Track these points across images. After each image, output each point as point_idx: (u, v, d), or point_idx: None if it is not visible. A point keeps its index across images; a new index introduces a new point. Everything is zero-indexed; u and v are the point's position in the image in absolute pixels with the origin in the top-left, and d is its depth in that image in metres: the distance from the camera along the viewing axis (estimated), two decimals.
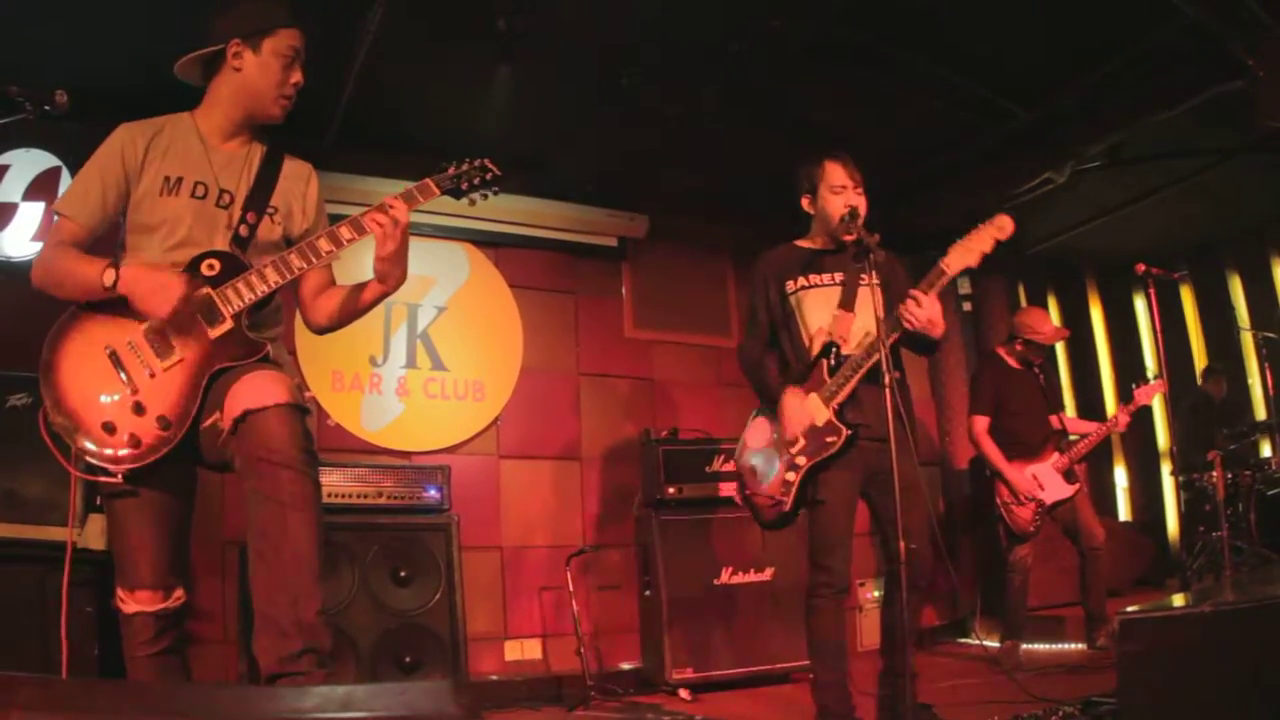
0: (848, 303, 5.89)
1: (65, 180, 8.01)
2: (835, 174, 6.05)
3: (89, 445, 3.91)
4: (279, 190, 4.58)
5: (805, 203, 6.21)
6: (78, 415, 3.94)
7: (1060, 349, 13.57)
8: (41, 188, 8.07)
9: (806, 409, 5.83)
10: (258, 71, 4.36)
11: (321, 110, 8.54)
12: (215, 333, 4.11)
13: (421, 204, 4.48)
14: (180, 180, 4.31)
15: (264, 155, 4.59)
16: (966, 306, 12.02)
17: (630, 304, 10.57)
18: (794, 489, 5.84)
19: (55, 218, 4.29)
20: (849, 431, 5.68)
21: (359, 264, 6.93)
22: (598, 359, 10.30)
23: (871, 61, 8.15)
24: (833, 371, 5.83)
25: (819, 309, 6.01)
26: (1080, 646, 8.81)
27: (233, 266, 4.21)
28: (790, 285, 6.10)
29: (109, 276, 3.99)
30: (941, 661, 9.28)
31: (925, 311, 5.66)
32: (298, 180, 4.71)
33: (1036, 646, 9.17)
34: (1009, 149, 9.50)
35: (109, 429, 3.92)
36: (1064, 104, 8.79)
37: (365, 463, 8.39)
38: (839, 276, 6.03)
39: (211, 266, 4.18)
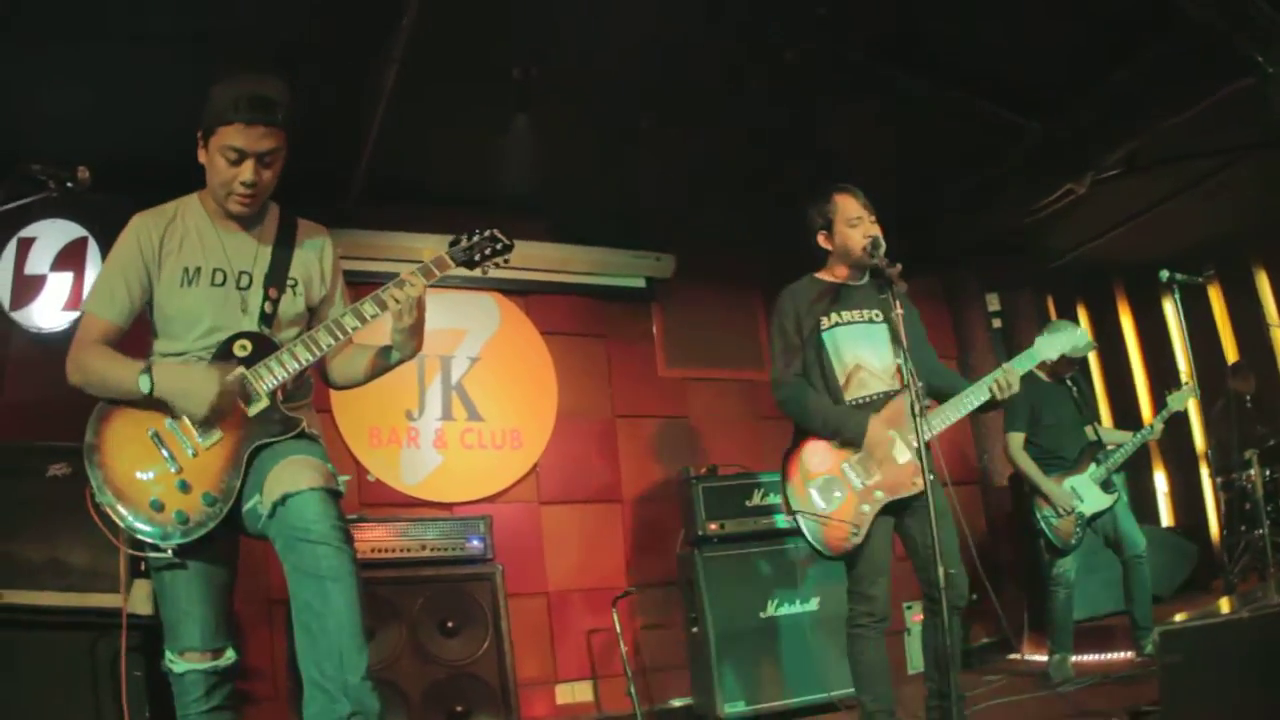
0: (898, 344, 5.68)
1: (92, 250, 8.17)
2: (849, 207, 6.13)
3: (139, 524, 4.05)
4: (296, 261, 4.71)
5: (822, 239, 6.27)
6: (125, 494, 4.08)
7: (1093, 358, 13.54)
8: (69, 258, 8.19)
9: (887, 441, 5.88)
10: (209, 167, 4.45)
11: (344, 169, 8.64)
12: (253, 411, 4.28)
13: (437, 278, 4.69)
14: (199, 270, 4.45)
15: (278, 228, 4.73)
16: (996, 323, 12.03)
17: (661, 343, 10.61)
18: (869, 521, 5.86)
19: (82, 315, 4.44)
20: (931, 476, 5.39)
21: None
22: (632, 400, 10.34)
23: (891, 87, 8.20)
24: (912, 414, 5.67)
25: (852, 345, 6.09)
26: (1129, 655, 8.79)
27: (263, 346, 4.38)
28: (825, 322, 6.14)
29: (144, 384, 4.12)
30: (991, 679, 9.27)
31: (1016, 389, 6.02)
32: (313, 249, 4.83)
33: (1085, 658, 9.14)
34: (1028, 165, 9.52)
35: (157, 507, 4.07)
36: (1079, 116, 8.82)
37: (406, 516, 8.42)
38: (874, 314, 6.13)
39: (244, 348, 4.34)
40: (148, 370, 4.15)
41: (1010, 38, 7.89)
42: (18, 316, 8.02)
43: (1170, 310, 12.91)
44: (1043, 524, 8.41)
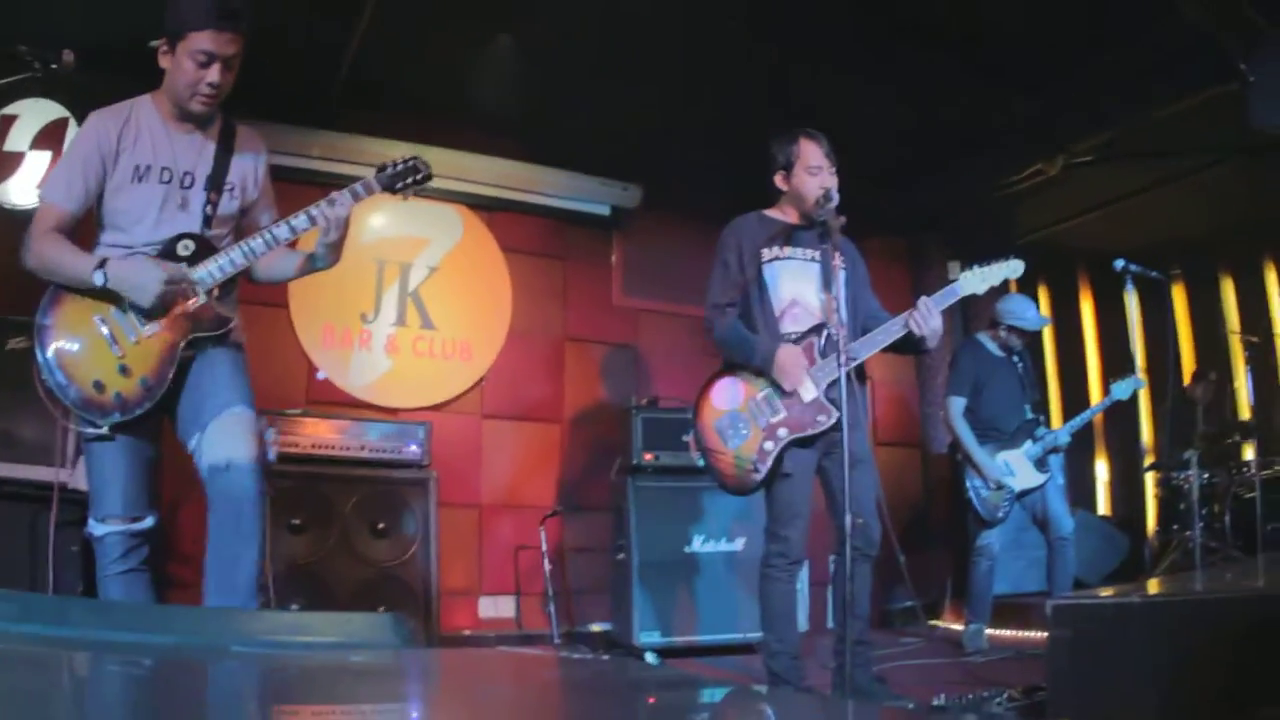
0: (829, 285, 6.01)
1: (73, 129, 8.11)
2: (811, 153, 6.14)
3: (80, 401, 4.51)
4: (234, 166, 5.00)
5: (779, 179, 6.28)
6: (70, 374, 4.51)
7: (1049, 340, 13.61)
8: (49, 138, 8.18)
9: (799, 369, 5.91)
10: (174, 69, 4.69)
11: (326, 73, 8.69)
12: (190, 306, 4.70)
13: (364, 198, 4.99)
14: (149, 168, 4.76)
15: (219, 134, 5.00)
16: None
17: (619, 272, 10.69)
18: (770, 459, 5.91)
19: (40, 203, 4.74)
20: (838, 414, 5.63)
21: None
22: (584, 325, 10.42)
23: (870, 45, 8.24)
24: (823, 353, 5.96)
25: (792, 281, 6.13)
26: (1044, 635, 8.91)
27: (204, 247, 4.78)
28: (766, 254, 6.18)
29: (99, 278, 4.47)
30: (907, 641, 9.38)
31: (936, 321, 5.91)
32: (250, 156, 5.12)
33: (1002, 632, 9.25)
34: (1002, 138, 9.58)
35: (99, 387, 4.52)
36: (1060, 95, 8.87)
37: (349, 415, 8.54)
38: (814, 254, 6.16)
39: (187, 247, 4.74)
40: (101, 266, 4.50)
41: (999, 9, 7.93)
42: None
43: (1130, 301, 12.97)
44: (971, 493, 8.46)
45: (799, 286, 6.13)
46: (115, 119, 4.79)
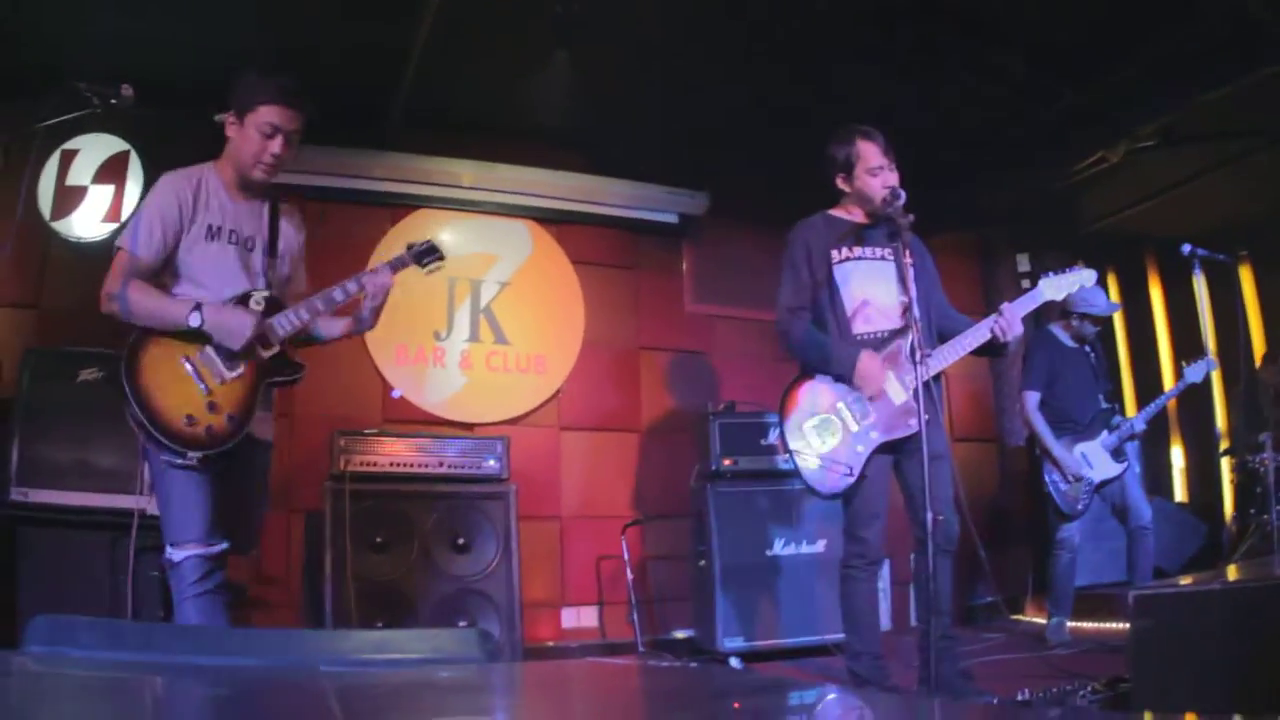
0: (903, 283, 5.93)
1: (134, 164, 8.32)
2: (871, 154, 6.18)
3: (171, 434, 4.86)
4: (282, 235, 5.52)
5: (840, 180, 6.33)
6: (162, 409, 4.87)
7: (1119, 328, 13.52)
8: (111, 171, 8.32)
9: (882, 378, 5.95)
10: (240, 139, 5.24)
11: (386, 94, 8.76)
12: (267, 354, 5.19)
13: (400, 270, 5.64)
14: (219, 229, 5.23)
15: (270, 208, 5.50)
16: (1025, 284, 12.03)
17: (690, 279, 10.68)
18: (863, 461, 5.95)
19: (119, 252, 5.04)
20: (927, 417, 5.53)
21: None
22: (657, 333, 10.43)
23: (926, 43, 8.22)
24: (909, 357, 5.87)
25: (862, 281, 6.16)
26: (1125, 626, 8.85)
27: (274, 303, 5.26)
28: (835, 255, 6.22)
29: (195, 319, 4.92)
30: (990, 638, 9.34)
31: (1019, 328, 5.98)
32: (292, 227, 5.65)
33: (1083, 624, 9.19)
34: (1063, 128, 9.50)
35: (190, 421, 4.91)
36: (1115, 84, 8.81)
37: (426, 433, 8.57)
38: (884, 253, 6.18)
39: (259, 302, 5.21)
40: (198, 308, 4.94)
41: (1052, 1, 7.91)
42: (58, 226, 8.16)
43: (1199, 285, 12.85)
44: (1050, 488, 8.44)
45: (870, 287, 6.15)
46: (188, 180, 5.19)
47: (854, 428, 5.99)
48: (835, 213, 6.44)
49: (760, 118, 9.41)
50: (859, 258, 6.20)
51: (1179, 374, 8.67)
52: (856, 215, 6.37)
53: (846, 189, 6.34)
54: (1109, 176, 10.00)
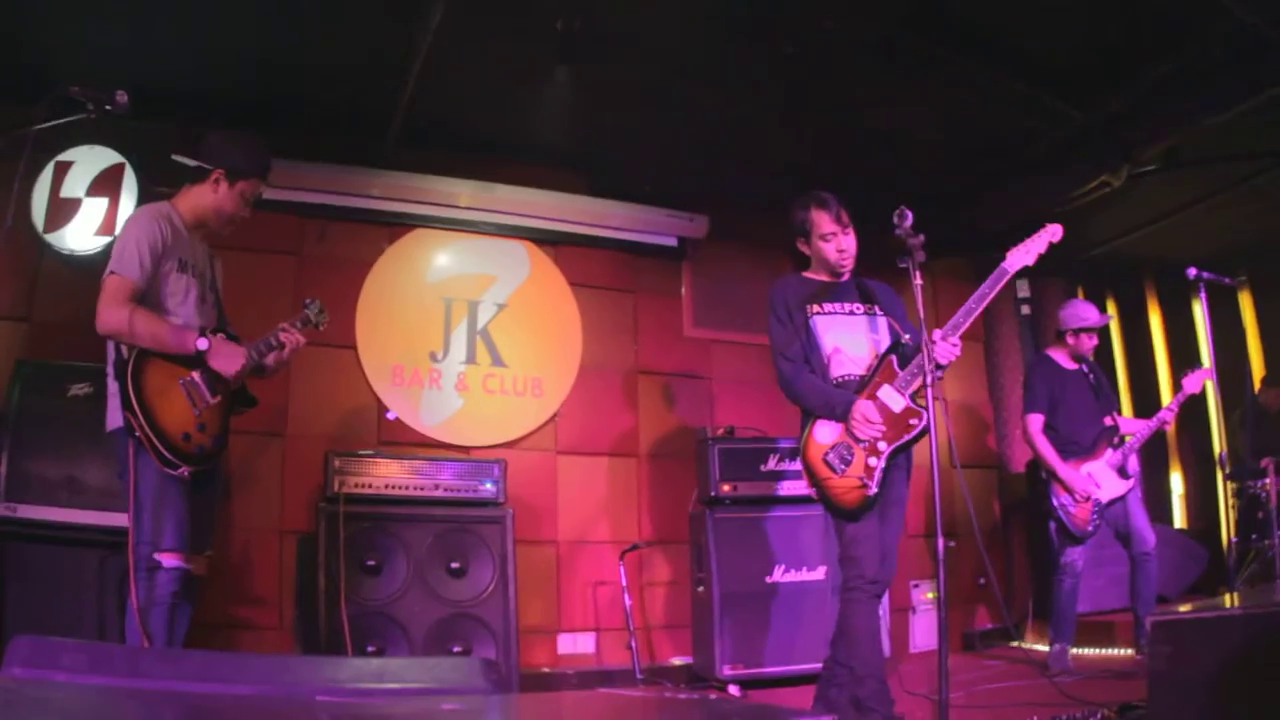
0: (873, 331, 6.60)
1: (128, 177, 8.26)
2: (824, 221, 6.56)
3: (171, 448, 5.35)
4: (215, 275, 6.11)
5: (800, 244, 6.76)
6: (164, 426, 5.35)
7: (1118, 353, 13.51)
8: (105, 184, 8.26)
9: (874, 408, 6.17)
10: (221, 200, 5.85)
11: (384, 112, 8.68)
12: (234, 385, 5.82)
13: (306, 328, 6.16)
14: (187, 262, 5.74)
15: (210, 248, 6.09)
16: (1025, 310, 12.00)
17: (689, 303, 10.61)
18: (879, 473, 6.12)
19: (113, 277, 5.42)
20: (927, 415, 5.96)
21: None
22: (656, 357, 10.35)
23: (928, 65, 8.17)
24: (903, 365, 6.26)
25: (836, 332, 6.54)
26: (1129, 652, 8.77)
27: (233, 340, 5.81)
28: (811, 309, 6.57)
29: (203, 344, 5.52)
30: (991, 664, 9.29)
31: (949, 350, 6.08)
32: (219, 267, 6.20)
33: (1086, 651, 9.18)
34: (1066, 152, 9.47)
35: (187, 439, 5.44)
36: (1118, 107, 8.76)
37: (422, 455, 8.51)
38: (855, 308, 6.64)
39: (224, 339, 5.73)
40: (203, 333, 5.54)
41: (1055, 23, 7.85)
42: (51, 239, 8.07)
43: (1198, 310, 12.80)
44: (1059, 512, 8.40)
45: (841, 337, 6.54)
46: (162, 214, 5.69)
47: (864, 445, 6.18)
48: (807, 274, 6.84)
49: (761, 140, 9.35)
50: (831, 312, 6.60)
51: (1177, 387, 8.63)
52: (822, 275, 6.74)
53: (807, 252, 6.76)
54: (1110, 201, 9.96)
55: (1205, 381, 8.57)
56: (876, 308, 6.65)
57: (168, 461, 5.32)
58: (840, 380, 6.44)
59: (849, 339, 6.55)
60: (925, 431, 6.13)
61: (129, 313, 5.32)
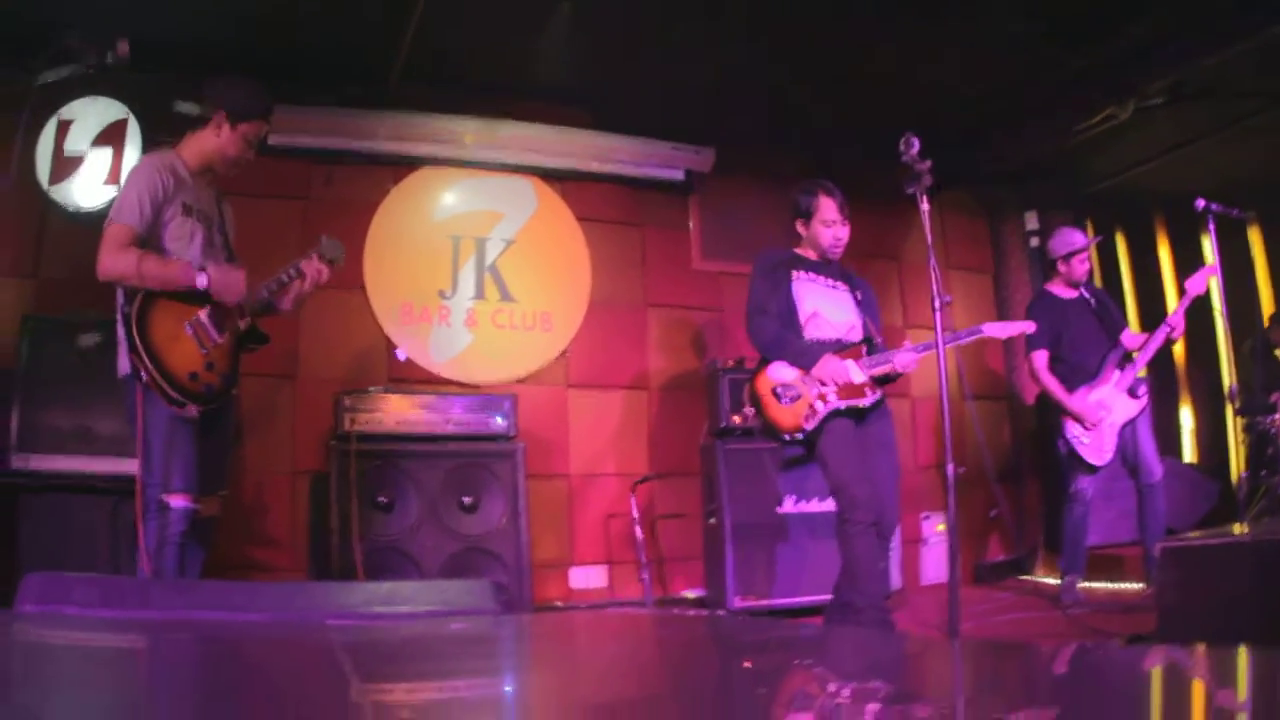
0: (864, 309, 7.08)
1: (132, 128, 8.17)
2: (828, 209, 6.95)
3: (179, 389, 5.43)
4: (225, 217, 6.14)
5: (799, 225, 7.10)
6: (171, 367, 5.42)
7: (1128, 288, 13.46)
8: (109, 136, 8.20)
9: (844, 368, 6.54)
10: (224, 142, 5.86)
11: (387, 50, 8.65)
12: (244, 322, 5.88)
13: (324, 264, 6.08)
14: (192, 207, 5.77)
15: (218, 191, 6.14)
16: (1034, 241, 11.96)
17: (698, 236, 10.58)
18: (819, 418, 6.50)
19: (113, 225, 5.51)
20: (881, 395, 6.71)
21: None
22: (665, 290, 10.34)
23: (930, 7, 8.15)
24: (870, 353, 6.76)
25: (816, 298, 6.94)
26: (1139, 586, 8.78)
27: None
28: (796, 274, 6.96)
29: (202, 280, 5.55)
30: (1002, 596, 9.32)
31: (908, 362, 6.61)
32: (228, 211, 6.23)
33: (1095, 584, 9.21)
34: (1071, 87, 9.44)
35: (194, 378, 5.51)
36: (1123, 41, 8.72)
37: (432, 391, 8.55)
38: (839, 284, 7.09)
39: (222, 268, 5.75)
40: (204, 269, 5.58)
41: None
42: (56, 195, 8.04)
43: (1207, 245, 12.75)
44: (1073, 442, 8.38)
45: (821, 302, 6.94)
46: (165, 162, 5.74)
47: (814, 392, 6.57)
48: (795, 250, 7.18)
49: (767, 75, 9.32)
50: (813, 280, 7.00)
51: (1182, 291, 8.57)
52: (811, 255, 7.11)
53: (803, 233, 7.09)
54: (1117, 135, 9.93)
55: (1209, 280, 8.47)
56: (858, 293, 7.07)
57: (174, 400, 5.39)
58: (816, 340, 6.77)
59: (829, 306, 6.93)
60: (877, 405, 6.71)
61: (136, 256, 5.41)
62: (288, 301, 6.12)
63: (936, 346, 5.79)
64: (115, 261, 5.39)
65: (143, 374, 5.33)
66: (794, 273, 6.92)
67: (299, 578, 8.06)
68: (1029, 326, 7.16)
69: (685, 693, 1.62)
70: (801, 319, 6.81)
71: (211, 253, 5.82)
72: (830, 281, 7.01)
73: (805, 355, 6.61)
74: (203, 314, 5.61)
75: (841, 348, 6.69)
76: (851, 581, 6.29)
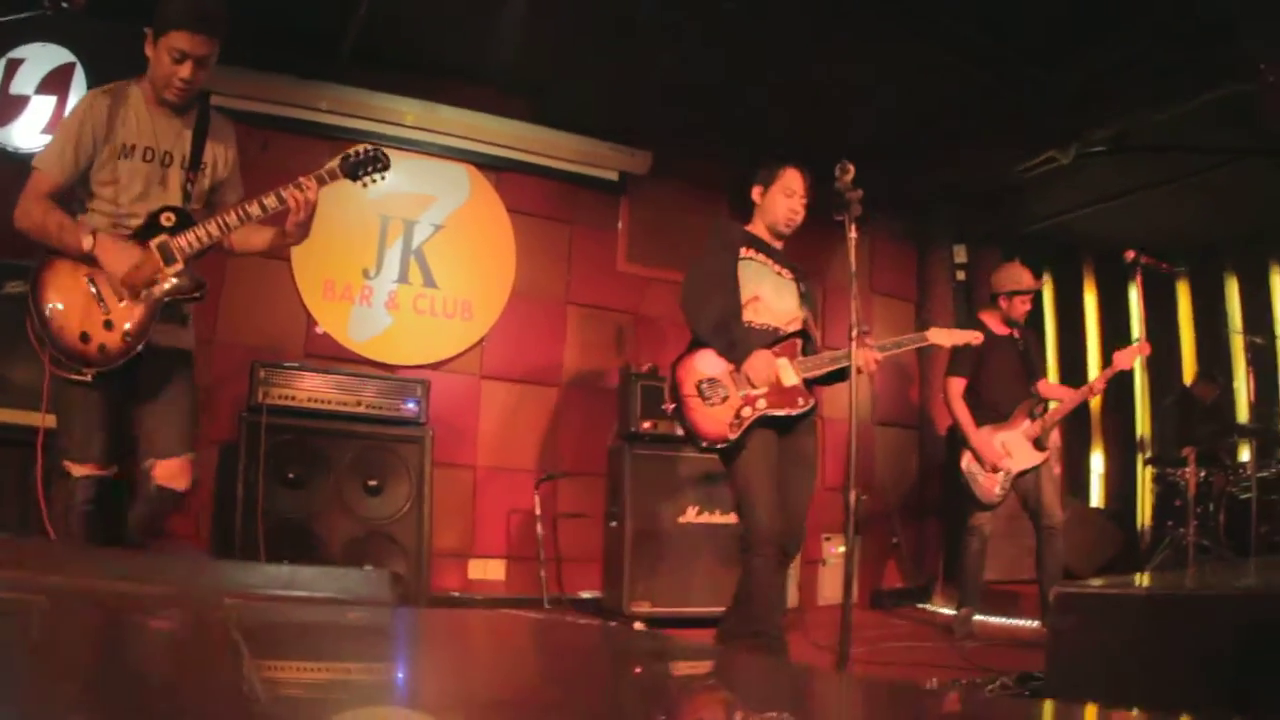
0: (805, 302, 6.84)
1: (78, 76, 8.12)
2: (793, 180, 6.72)
3: (67, 349, 5.11)
4: (208, 148, 5.66)
5: (756, 192, 6.88)
6: (59, 325, 5.12)
7: (1050, 332, 13.57)
8: (54, 83, 8.13)
9: (775, 368, 6.27)
10: (154, 62, 5.35)
11: (336, 28, 8.65)
12: (170, 271, 5.33)
13: (328, 184, 5.66)
14: (134, 147, 5.37)
15: (196, 118, 5.64)
16: (960, 275, 12.05)
17: (625, 238, 10.62)
18: (744, 426, 6.20)
19: (34, 171, 5.27)
20: (814, 402, 6.36)
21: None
22: (588, 290, 10.36)
23: (869, 25, 8.19)
24: (806, 352, 6.53)
25: (760, 281, 6.64)
26: (1034, 624, 8.86)
27: (184, 219, 5.38)
28: (743, 253, 6.63)
29: (88, 243, 5.16)
30: (897, 624, 9.39)
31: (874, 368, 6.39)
32: (223, 139, 5.79)
33: (991, 619, 9.27)
34: (1017, 122, 9.52)
35: (85, 339, 5.14)
36: (1073, 82, 8.79)
37: (346, 370, 8.50)
38: (785, 272, 6.81)
39: (169, 219, 5.35)
40: (93, 234, 5.20)
41: None
42: None
43: (1134, 296, 12.88)
44: (966, 477, 8.47)
45: (764, 287, 6.64)
46: (107, 99, 5.36)
47: (742, 394, 6.28)
48: (747, 228, 6.91)
49: (708, 81, 9.34)
50: (761, 263, 6.68)
51: (1107, 361, 8.63)
52: (762, 234, 6.84)
53: (757, 201, 6.86)
54: (1055, 178, 10.03)
55: (1136, 359, 8.54)
56: (802, 285, 6.83)
57: (60, 363, 5.15)
58: (753, 326, 6.50)
59: (772, 292, 6.65)
60: (808, 414, 6.37)
61: (43, 210, 5.20)
62: (267, 238, 5.78)
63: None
64: (26, 212, 5.20)
65: (30, 333, 5.16)
66: (742, 250, 6.66)
67: (200, 548, 8.02)
68: (975, 337, 7.11)
69: (565, 702, 1.64)
70: (744, 300, 6.54)
71: (160, 194, 5.45)
72: (777, 267, 6.77)
73: (737, 349, 6.31)
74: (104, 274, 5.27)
75: (777, 340, 6.46)
76: (748, 609, 6.17)
